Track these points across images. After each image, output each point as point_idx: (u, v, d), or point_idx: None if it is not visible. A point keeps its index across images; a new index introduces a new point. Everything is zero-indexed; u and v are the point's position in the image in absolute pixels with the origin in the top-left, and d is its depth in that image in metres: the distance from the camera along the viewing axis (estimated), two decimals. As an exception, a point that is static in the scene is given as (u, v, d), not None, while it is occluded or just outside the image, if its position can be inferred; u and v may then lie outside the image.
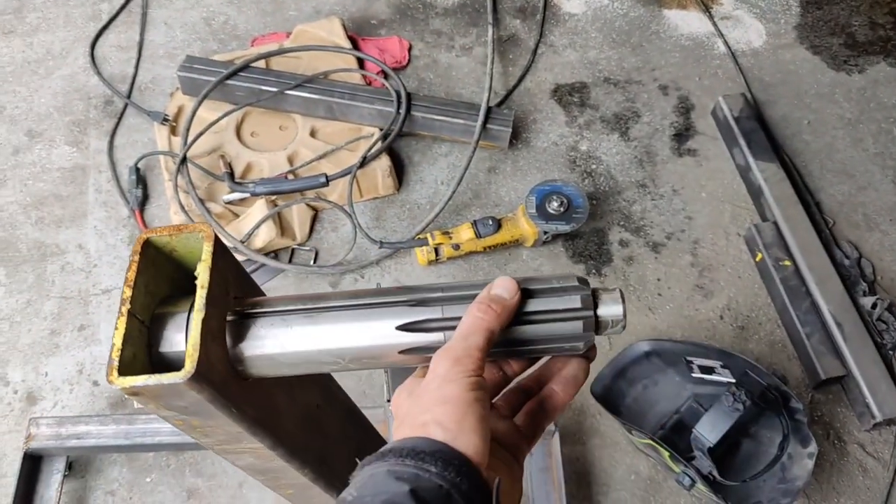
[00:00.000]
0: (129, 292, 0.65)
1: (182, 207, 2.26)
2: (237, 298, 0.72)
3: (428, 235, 2.26)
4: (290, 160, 2.43)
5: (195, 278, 0.67)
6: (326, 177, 2.31)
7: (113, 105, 2.59)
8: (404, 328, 0.70)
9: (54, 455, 1.88)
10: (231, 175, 2.36)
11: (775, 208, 2.36)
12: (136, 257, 0.67)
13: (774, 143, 2.54)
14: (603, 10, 2.90)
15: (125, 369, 0.63)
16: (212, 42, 2.74)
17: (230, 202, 2.35)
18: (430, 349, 0.70)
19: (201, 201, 2.27)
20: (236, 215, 2.34)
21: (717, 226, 2.42)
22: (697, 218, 2.43)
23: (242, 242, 2.23)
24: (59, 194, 2.41)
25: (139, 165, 2.41)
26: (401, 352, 0.70)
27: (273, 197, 2.31)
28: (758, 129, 2.51)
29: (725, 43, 2.81)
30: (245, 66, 2.51)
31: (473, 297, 0.70)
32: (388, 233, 2.36)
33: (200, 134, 2.37)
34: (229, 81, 2.46)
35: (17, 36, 2.75)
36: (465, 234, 2.26)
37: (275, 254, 2.31)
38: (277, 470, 0.87)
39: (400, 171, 2.48)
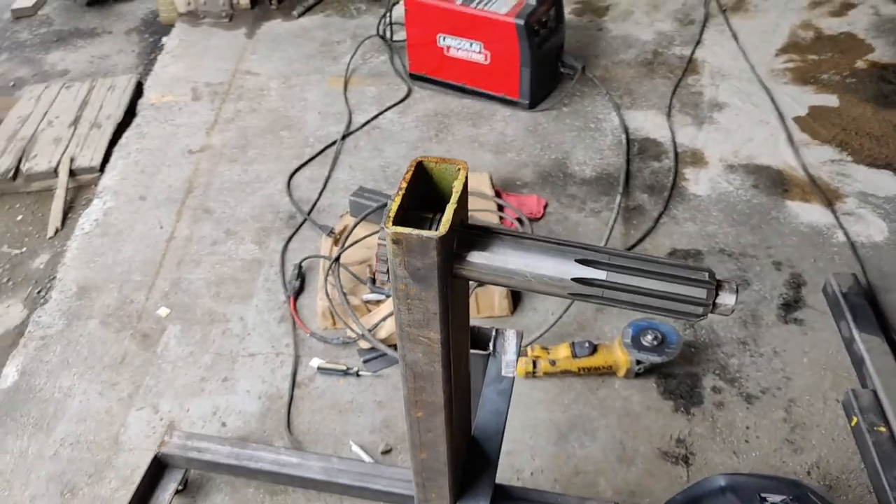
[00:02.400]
0: (404, 184, 0.99)
1: (327, 295, 2.69)
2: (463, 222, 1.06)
3: (528, 348, 2.51)
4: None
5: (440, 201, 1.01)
6: (450, 289, 2.66)
7: (294, 219, 3.17)
8: (581, 262, 1.02)
9: (176, 466, 2.20)
10: (373, 280, 2.78)
11: (875, 377, 2.38)
12: (412, 170, 1.01)
13: (883, 320, 2.59)
14: (727, 195, 3.18)
15: (396, 223, 0.95)
16: (383, 183, 3.31)
17: (368, 301, 2.75)
18: (594, 283, 1.01)
19: (344, 294, 2.69)
20: (369, 310, 2.72)
21: (816, 389, 2.46)
22: (796, 379, 2.49)
23: (369, 331, 2.59)
24: (236, 278, 2.93)
25: (302, 264, 2.91)
26: (574, 279, 1.01)
27: (402, 298, 2.68)
28: (865, 305, 2.59)
29: (846, 234, 2.97)
30: (403, 199, 3.01)
31: (630, 255, 1.02)
32: (495, 346, 2.63)
33: (353, 243, 2.85)
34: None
35: (238, 164, 3.49)
36: (562, 352, 2.49)
37: (395, 346, 2.64)
38: (430, 377, 1.14)
39: (518, 297, 2.78)
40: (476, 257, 1.04)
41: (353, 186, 3.27)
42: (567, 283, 1.03)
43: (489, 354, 1.61)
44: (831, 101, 3.65)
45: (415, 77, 3.88)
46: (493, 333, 1.65)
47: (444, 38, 3.65)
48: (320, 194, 3.28)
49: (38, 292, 3.02)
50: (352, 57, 4.05)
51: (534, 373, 2.50)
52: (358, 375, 2.56)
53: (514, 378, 1.58)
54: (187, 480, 2.28)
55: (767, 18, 4.25)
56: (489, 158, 3.43)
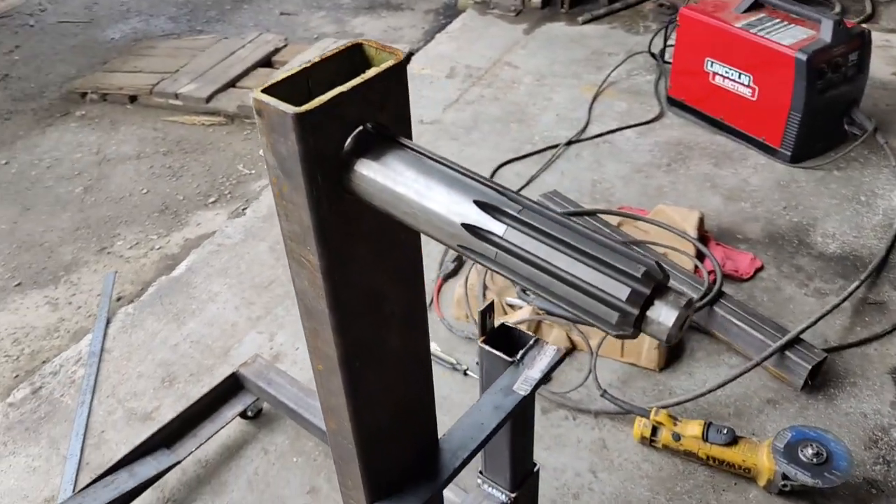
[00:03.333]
0: (318, 59, 0.81)
1: (466, 282, 2.50)
2: (379, 125, 0.81)
3: (652, 409, 2.08)
4: (582, 300, 2.50)
5: None
6: (596, 318, 2.32)
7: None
8: (479, 204, 0.73)
9: (248, 390, 2.18)
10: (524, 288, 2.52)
11: None
12: (342, 47, 0.84)
13: None
14: None
15: (268, 90, 0.76)
16: (587, 197, 3.02)
17: (511, 304, 2.51)
18: (487, 237, 0.72)
19: (485, 287, 2.48)
20: (505, 313, 2.47)
21: None
22: None
23: (493, 333, 2.34)
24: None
25: (467, 250, 2.74)
26: (464, 225, 0.73)
27: (542, 311, 2.40)
28: None
29: None
30: (594, 212, 2.71)
31: (551, 217, 0.71)
32: (623, 397, 2.23)
33: (522, 244, 2.61)
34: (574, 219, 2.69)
35: (457, 143, 3.42)
36: (692, 429, 2.02)
37: (514, 359, 2.37)
38: (319, 317, 0.91)
39: (675, 355, 2.34)
40: (365, 167, 0.79)
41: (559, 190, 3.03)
42: (456, 228, 0.74)
43: (513, 362, 1.31)
44: None
45: (672, 102, 3.50)
46: (531, 342, 1.35)
47: (711, 63, 3.23)
48: (519, 191, 3.08)
49: (243, 209, 3.24)
50: (615, 69, 3.79)
51: (651, 441, 2.06)
52: (465, 374, 2.33)
53: (526, 398, 1.27)
54: (260, 410, 2.24)
55: None
56: (716, 202, 2.96)
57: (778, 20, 3.11)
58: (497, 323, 1.38)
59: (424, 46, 4.30)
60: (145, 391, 2.36)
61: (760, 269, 2.64)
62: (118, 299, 2.77)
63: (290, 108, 0.73)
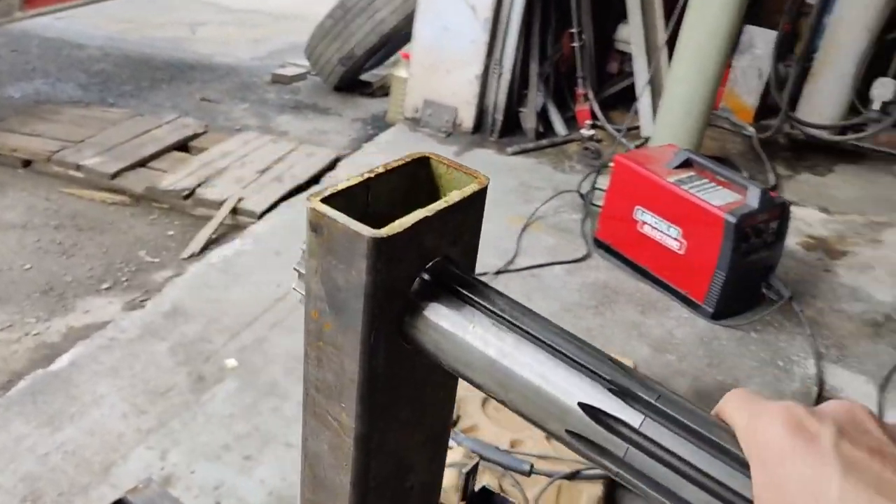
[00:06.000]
0: (382, 169, 0.65)
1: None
2: (448, 259, 0.67)
3: (592, 579, 1.91)
4: (512, 444, 2.34)
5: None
6: (532, 467, 2.17)
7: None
8: (609, 384, 0.57)
9: None
10: (455, 422, 2.35)
11: None
12: (408, 158, 0.67)
13: None
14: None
15: (327, 201, 0.60)
16: (516, 331, 2.92)
17: (436, 441, 2.31)
18: (617, 427, 0.57)
19: (412, 420, 2.28)
20: (432, 452, 2.27)
21: None
22: None
23: (419, 473, 2.14)
24: (319, 362, 2.63)
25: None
26: (583, 406, 0.58)
27: (473, 454, 2.21)
28: None
29: None
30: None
31: (687, 427, 0.55)
32: (556, 559, 2.05)
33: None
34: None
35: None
36: None
37: (439, 505, 2.15)
38: (334, 490, 0.73)
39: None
40: (436, 312, 0.63)
41: (483, 321, 2.91)
42: (566, 409, 0.58)
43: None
44: None
45: (599, 244, 3.53)
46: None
47: (641, 212, 3.30)
48: (446, 316, 2.95)
49: (142, 301, 2.92)
50: (544, 203, 3.81)
51: None
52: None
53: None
54: None
55: None
56: (644, 352, 2.94)
57: (706, 180, 3.22)
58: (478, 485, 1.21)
59: (352, 154, 4.21)
60: (0, 511, 1.97)
61: (688, 426, 2.59)
62: (-21, 391, 2.37)
63: (367, 231, 0.56)
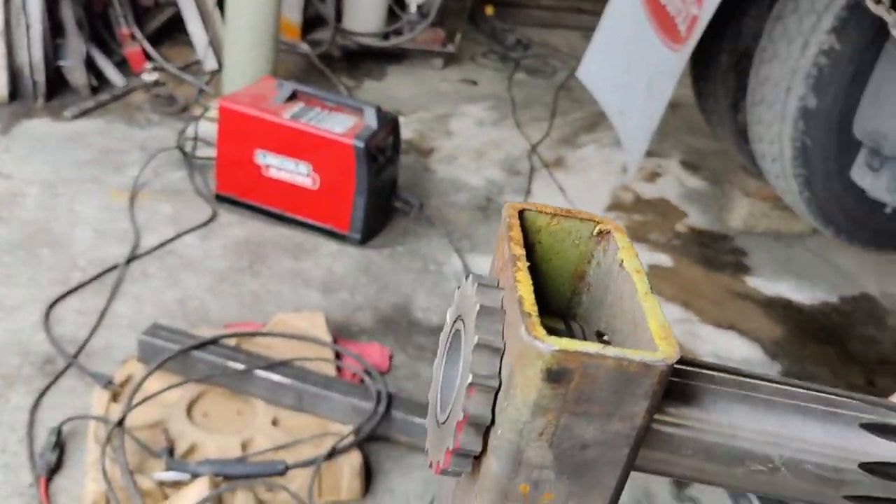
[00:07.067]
0: (520, 250, 0.47)
1: (105, 475, 1.85)
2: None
3: (398, 547, 1.85)
4: (244, 447, 2.09)
5: None
6: (286, 465, 1.97)
7: (53, 365, 2.29)
8: (871, 429, 0.49)
9: None
10: (170, 451, 1.99)
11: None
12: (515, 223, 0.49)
13: None
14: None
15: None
16: (181, 322, 2.56)
17: (164, 481, 1.94)
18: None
19: (130, 472, 1.87)
20: (166, 496, 1.91)
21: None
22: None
23: (167, 529, 1.78)
24: (-48, 449, 1.97)
25: (62, 429, 2.04)
26: (863, 465, 0.48)
27: (219, 479, 1.92)
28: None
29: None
30: (215, 340, 2.31)
31: None
32: (346, 544, 1.93)
33: (143, 400, 2.07)
34: (195, 353, 2.24)
35: (-30, 286, 2.55)
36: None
37: (202, 551, 1.84)
38: None
39: (367, 479, 2.14)
40: (695, 416, 0.47)
41: (140, 323, 2.48)
42: (843, 472, 0.49)
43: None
44: (665, 261, 3.59)
45: (222, 198, 3.24)
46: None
47: (263, 156, 3.09)
48: (93, 332, 2.44)
49: None
50: (142, 169, 3.32)
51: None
52: None
53: None
54: None
55: (588, 177, 4.24)
56: (317, 298, 2.83)
57: (319, 109, 3.14)
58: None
59: None
60: None
61: (391, 357, 2.61)
62: None
63: (650, 357, 0.38)
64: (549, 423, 0.39)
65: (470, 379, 0.41)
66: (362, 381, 2.38)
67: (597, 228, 0.51)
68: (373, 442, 2.22)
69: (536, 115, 4.84)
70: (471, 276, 0.46)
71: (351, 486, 2.05)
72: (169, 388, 2.16)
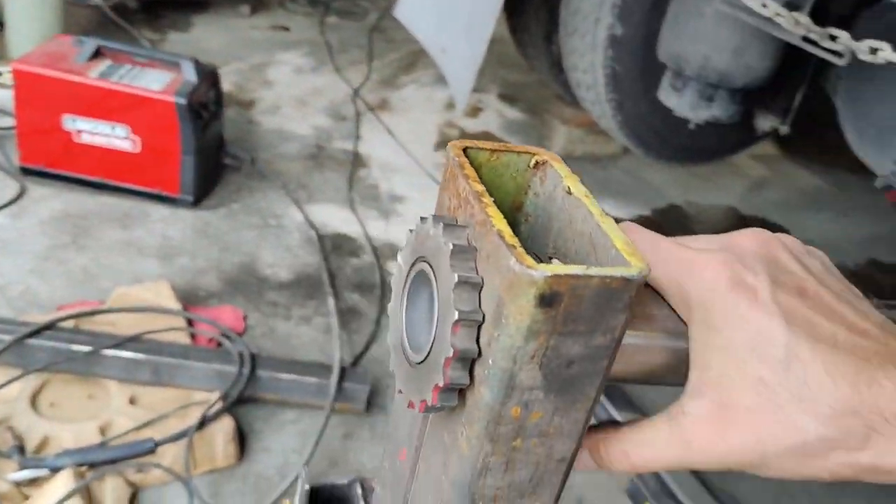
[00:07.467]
0: (479, 186, 0.47)
1: (-50, 485, 1.69)
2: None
3: None
4: (103, 431, 1.98)
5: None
6: (154, 442, 1.90)
7: None
8: None
9: None
10: (21, 449, 1.85)
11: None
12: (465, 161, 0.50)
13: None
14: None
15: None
16: (6, 310, 2.34)
17: (19, 482, 1.81)
18: None
19: (-21, 478, 1.72)
20: (26, 497, 1.78)
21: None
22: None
23: (35, 529, 1.67)
24: None
25: None
26: None
27: (83, 468, 1.82)
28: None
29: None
30: (51, 325, 2.14)
31: None
32: (233, 509, 1.91)
33: (-15, 399, 1.89)
34: (30, 341, 2.07)
35: None
36: None
37: (78, 544, 1.75)
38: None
39: (241, 443, 2.10)
40: None
41: (-43, 317, 2.24)
42: None
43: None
44: (497, 191, 3.73)
45: (28, 171, 2.95)
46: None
47: (73, 121, 2.84)
48: None
49: None
50: (-75, 146, 2.95)
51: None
52: None
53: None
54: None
55: (413, 117, 4.28)
56: (155, 267, 2.69)
57: (130, 66, 2.92)
58: None
59: None
60: None
61: (245, 317, 2.55)
62: None
63: (633, 271, 0.42)
64: (541, 345, 0.42)
65: (456, 316, 0.43)
66: (219, 345, 2.31)
67: (533, 160, 0.53)
68: (240, 405, 2.18)
69: (354, 58, 4.78)
70: (430, 218, 0.47)
71: (226, 453, 2.02)
72: (7, 382, 1.99)
